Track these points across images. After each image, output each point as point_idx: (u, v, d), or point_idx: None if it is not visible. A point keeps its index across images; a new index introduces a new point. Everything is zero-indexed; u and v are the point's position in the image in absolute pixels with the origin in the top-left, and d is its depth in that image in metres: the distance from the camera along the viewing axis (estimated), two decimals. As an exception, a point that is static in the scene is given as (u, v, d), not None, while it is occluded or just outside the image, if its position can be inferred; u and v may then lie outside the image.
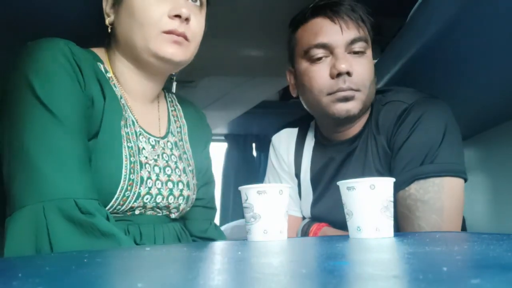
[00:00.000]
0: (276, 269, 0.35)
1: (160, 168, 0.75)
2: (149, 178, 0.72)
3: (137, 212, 0.72)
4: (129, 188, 0.68)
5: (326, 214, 0.97)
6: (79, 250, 0.53)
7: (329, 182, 0.97)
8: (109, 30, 0.74)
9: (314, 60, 0.87)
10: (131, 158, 0.69)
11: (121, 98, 0.73)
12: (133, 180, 0.68)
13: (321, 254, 0.45)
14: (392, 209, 0.60)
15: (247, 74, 1.92)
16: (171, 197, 0.76)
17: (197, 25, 0.74)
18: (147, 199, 0.71)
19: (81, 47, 0.71)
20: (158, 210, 0.75)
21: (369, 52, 0.90)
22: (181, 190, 0.78)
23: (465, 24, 0.79)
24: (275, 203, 0.60)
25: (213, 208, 0.92)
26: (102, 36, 0.78)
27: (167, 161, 0.77)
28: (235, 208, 2.95)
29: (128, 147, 0.70)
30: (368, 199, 0.59)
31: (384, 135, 0.88)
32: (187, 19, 0.71)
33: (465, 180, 0.82)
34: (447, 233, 0.71)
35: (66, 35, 0.67)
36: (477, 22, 0.78)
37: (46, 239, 0.55)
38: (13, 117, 0.61)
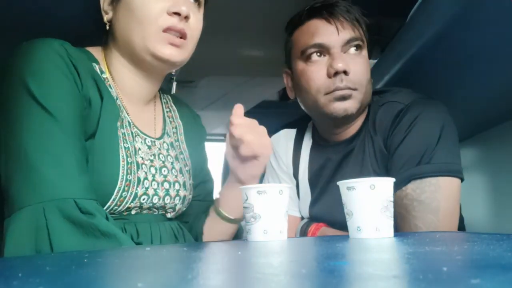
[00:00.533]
0: (276, 269, 0.35)
1: (156, 169, 0.75)
2: (145, 178, 0.72)
3: (133, 212, 0.71)
4: (126, 188, 0.67)
5: (324, 214, 0.97)
6: (79, 250, 0.53)
7: (327, 182, 0.97)
8: (107, 28, 0.74)
9: (311, 61, 0.88)
10: (128, 159, 0.69)
11: (117, 99, 0.73)
12: (130, 180, 0.68)
13: (321, 254, 0.45)
14: (392, 209, 0.60)
15: (247, 74, 1.92)
16: (167, 197, 0.76)
17: (195, 24, 0.74)
18: (143, 199, 0.71)
19: (77, 45, 0.70)
20: (154, 209, 0.75)
21: (364, 52, 0.90)
22: (178, 191, 0.78)
23: (465, 24, 0.79)
24: (275, 203, 0.60)
25: (211, 201, 0.92)
26: (99, 34, 0.77)
27: (163, 162, 0.77)
28: (235, 208, 2.94)
29: (125, 147, 0.70)
30: (368, 199, 0.59)
31: (381, 135, 0.89)
32: (186, 17, 0.70)
33: (462, 180, 0.83)
34: (447, 233, 0.71)
35: (62, 34, 0.67)
36: (477, 22, 0.78)
37: (46, 240, 0.55)
38: (10, 118, 0.60)
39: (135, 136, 0.74)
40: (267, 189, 0.60)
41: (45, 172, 0.58)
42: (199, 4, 0.76)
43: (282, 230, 0.62)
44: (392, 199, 0.60)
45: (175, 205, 0.78)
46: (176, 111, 0.89)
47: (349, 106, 0.86)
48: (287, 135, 1.09)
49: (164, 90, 0.90)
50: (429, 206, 0.79)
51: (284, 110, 2.34)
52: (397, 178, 0.82)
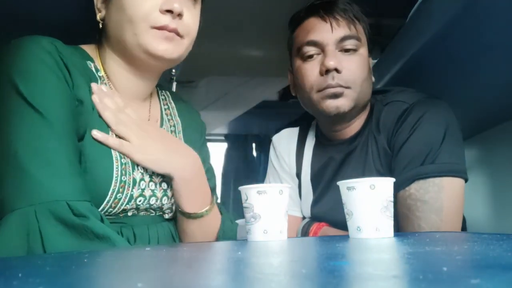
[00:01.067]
0: (276, 269, 0.35)
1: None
2: (142, 179, 0.70)
3: (129, 213, 0.70)
4: (120, 190, 0.66)
5: (326, 214, 0.97)
6: (79, 251, 0.53)
7: (329, 181, 0.97)
8: (100, 26, 0.72)
9: (306, 58, 0.89)
10: (122, 160, 0.68)
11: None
12: (125, 182, 0.67)
13: (321, 254, 0.45)
14: (392, 209, 0.60)
15: (247, 74, 1.92)
16: (165, 198, 0.74)
17: (191, 20, 0.71)
18: (140, 201, 0.70)
19: (72, 43, 0.69)
20: (151, 210, 0.74)
21: (362, 50, 0.90)
22: None
23: (465, 24, 0.79)
24: (275, 203, 0.60)
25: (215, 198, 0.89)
26: (94, 32, 0.76)
27: None
28: (235, 208, 2.95)
29: None
30: (368, 199, 0.58)
31: (384, 135, 0.88)
32: (179, 15, 0.68)
33: (466, 180, 0.82)
34: (447, 233, 0.71)
35: (56, 32, 0.66)
36: (477, 22, 0.78)
37: (39, 243, 0.54)
38: None
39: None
40: (267, 189, 0.60)
41: (36, 174, 0.56)
42: (195, 0, 0.73)
43: (282, 230, 0.62)
44: (392, 199, 0.60)
45: (173, 205, 0.77)
46: (175, 108, 0.87)
47: (341, 104, 0.86)
48: (290, 134, 1.08)
49: (162, 86, 0.89)
50: (433, 206, 0.79)
51: (284, 110, 2.34)
52: (400, 178, 0.82)
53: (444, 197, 0.79)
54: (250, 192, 0.61)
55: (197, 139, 0.88)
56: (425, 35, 0.89)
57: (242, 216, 0.73)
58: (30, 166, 0.56)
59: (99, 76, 0.71)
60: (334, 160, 0.97)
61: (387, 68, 1.12)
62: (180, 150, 0.76)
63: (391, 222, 0.60)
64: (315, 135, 1.04)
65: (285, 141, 1.08)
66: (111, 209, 0.66)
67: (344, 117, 0.90)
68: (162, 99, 0.86)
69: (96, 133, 0.66)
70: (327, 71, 0.85)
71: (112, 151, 0.67)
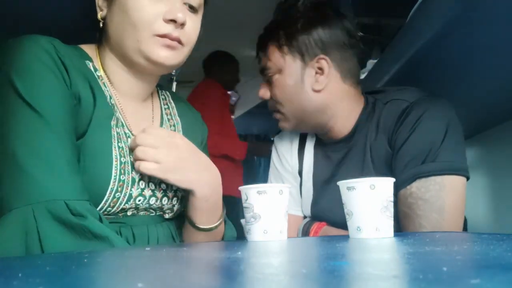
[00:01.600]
0: (276, 269, 0.35)
1: None
2: (141, 179, 0.70)
3: (129, 213, 0.70)
4: (119, 189, 0.66)
5: (327, 213, 0.97)
6: (79, 251, 0.53)
7: (328, 181, 0.97)
8: (101, 25, 0.72)
9: None
10: (122, 159, 0.67)
11: (111, 98, 0.71)
12: (123, 181, 0.66)
13: (321, 254, 0.45)
14: (392, 209, 0.60)
15: (247, 74, 1.92)
16: (165, 198, 0.74)
17: (192, 29, 0.72)
18: (139, 200, 0.69)
19: (70, 43, 0.69)
20: (151, 210, 0.74)
21: (277, 77, 0.93)
22: (176, 191, 0.76)
23: (465, 24, 0.79)
24: (275, 203, 0.60)
25: None
26: (93, 32, 0.76)
27: None
28: (235, 208, 2.94)
29: (119, 147, 0.68)
30: (368, 199, 0.58)
31: (385, 133, 0.88)
32: (182, 24, 0.69)
33: (468, 178, 0.82)
34: (447, 233, 0.71)
35: (54, 31, 0.65)
36: (477, 22, 0.78)
37: (37, 243, 0.54)
38: None
39: (128, 137, 0.72)
40: (267, 189, 0.60)
41: (34, 173, 0.56)
42: (198, 9, 0.74)
43: (282, 230, 0.61)
44: (392, 199, 0.60)
45: (173, 206, 0.76)
46: (175, 108, 0.87)
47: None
48: (292, 133, 1.08)
49: (162, 86, 0.89)
50: (434, 205, 0.79)
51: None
52: (401, 176, 0.82)
53: (445, 195, 0.79)
54: (250, 192, 0.61)
55: (197, 141, 0.88)
56: (425, 35, 0.89)
57: (242, 216, 0.73)
58: (28, 166, 0.56)
59: (98, 76, 0.71)
60: (333, 159, 0.97)
61: (387, 68, 1.12)
62: (205, 165, 0.74)
63: (391, 222, 0.60)
64: (315, 134, 1.04)
65: (287, 140, 1.08)
66: (110, 208, 0.66)
67: None
68: (162, 99, 0.86)
69: (137, 167, 0.67)
70: None
71: (112, 150, 0.67)
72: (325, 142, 0.99)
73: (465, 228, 1.03)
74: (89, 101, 0.66)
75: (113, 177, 0.65)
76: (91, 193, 0.62)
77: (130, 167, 0.69)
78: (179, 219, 0.82)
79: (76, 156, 0.62)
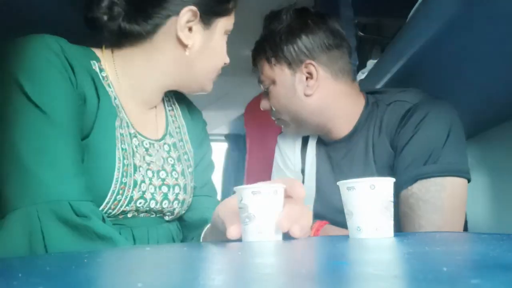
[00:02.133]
0: (276, 269, 0.35)
1: (153, 172, 0.73)
2: (142, 181, 0.70)
3: (129, 215, 0.70)
4: (120, 191, 0.66)
5: (328, 212, 0.97)
6: (79, 251, 0.53)
7: (330, 180, 0.98)
8: (187, 53, 0.75)
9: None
10: (125, 161, 0.67)
11: (115, 98, 0.71)
12: (125, 183, 0.66)
13: (321, 254, 0.45)
14: (392, 209, 0.60)
15: (247, 74, 1.91)
16: (165, 201, 0.74)
17: None
18: (140, 203, 0.69)
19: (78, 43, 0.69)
20: (152, 212, 0.73)
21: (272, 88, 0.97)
22: (177, 194, 0.76)
23: (465, 24, 0.79)
24: (269, 203, 0.60)
25: (213, 196, 0.89)
26: (98, 34, 0.76)
27: (161, 165, 0.75)
28: (235, 207, 2.94)
29: (122, 149, 0.68)
30: (368, 199, 0.58)
31: (387, 134, 0.89)
32: None
33: (469, 180, 0.83)
34: (447, 233, 0.71)
35: (61, 32, 0.66)
36: (477, 22, 0.78)
37: (41, 242, 0.54)
38: (2, 117, 0.59)
39: (133, 137, 0.72)
40: (261, 189, 0.60)
41: (39, 173, 0.56)
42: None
43: (277, 230, 0.61)
44: (392, 199, 0.60)
45: (174, 209, 0.76)
46: (179, 109, 0.88)
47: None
48: None
49: None
50: (434, 206, 0.79)
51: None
52: (403, 177, 0.83)
53: (445, 197, 0.79)
54: (245, 193, 0.60)
55: (198, 136, 0.88)
56: (425, 35, 0.89)
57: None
58: (34, 166, 0.56)
59: (103, 77, 0.71)
60: (334, 159, 0.98)
61: (387, 68, 1.11)
62: None
63: (391, 222, 0.60)
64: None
65: (290, 139, 1.09)
66: (110, 211, 0.66)
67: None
68: (167, 100, 0.86)
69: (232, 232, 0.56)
70: None
71: (116, 151, 0.66)
72: (326, 142, 1.00)
73: (465, 228, 1.03)
74: (93, 101, 0.66)
75: (115, 179, 0.65)
76: (93, 194, 0.62)
77: (132, 170, 0.68)
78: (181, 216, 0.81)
79: (81, 157, 0.62)
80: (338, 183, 0.63)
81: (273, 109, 0.98)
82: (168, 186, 0.75)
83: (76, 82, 0.64)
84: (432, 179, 0.80)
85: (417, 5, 0.97)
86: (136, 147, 0.72)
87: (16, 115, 0.58)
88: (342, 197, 0.62)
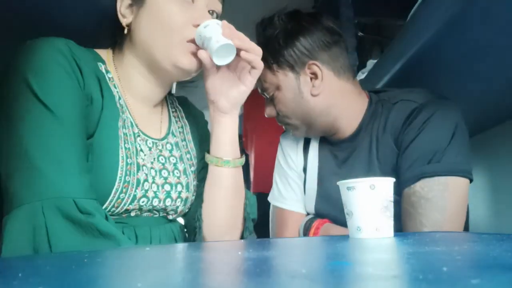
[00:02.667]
0: (276, 269, 0.35)
1: (156, 171, 0.74)
2: (145, 180, 0.71)
3: (132, 214, 0.71)
4: (124, 190, 0.67)
5: (330, 211, 0.97)
6: (79, 250, 0.53)
7: (334, 179, 0.98)
8: (125, 31, 0.74)
9: None
10: (128, 160, 0.68)
11: (119, 98, 0.73)
12: (128, 182, 0.67)
13: (321, 254, 0.45)
14: (392, 209, 0.60)
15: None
16: (168, 199, 0.75)
17: None
18: (143, 202, 0.70)
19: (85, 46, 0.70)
20: (155, 212, 0.74)
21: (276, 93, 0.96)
22: (180, 192, 0.77)
23: (465, 24, 0.79)
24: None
25: None
26: (104, 37, 0.78)
27: (163, 164, 0.76)
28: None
29: (126, 148, 0.69)
30: (368, 199, 0.59)
31: (392, 133, 0.89)
32: None
33: (471, 181, 0.83)
34: (447, 233, 0.72)
35: (68, 36, 0.67)
36: (476, 22, 0.78)
37: (44, 238, 0.55)
38: (11, 115, 0.60)
39: (137, 136, 0.73)
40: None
41: (45, 171, 0.57)
42: (217, 17, 0.77)
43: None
44: (392, 199, 0.60)
45: (177, 207, 0.77)
46: (182, 111, 0.89)
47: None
48: None
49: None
50: (436, 205, 0.80)
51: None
52: (406, 175, 0.83)
53: (448, 196, 0.80)
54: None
55: (201, 135, 0.89)
56: (425, 35, 0.89)
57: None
58: (40, 163, 0.57)
59: (109, 78, 0.73)
60: (339, 158, 0.98)
61: (387, 68, 1.12)
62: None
63: (391, 222, 0.60)
64: None
65: (292, 138, 1.09)
66: (114, 209, 0.67)
67: None
68: (170, 103, 0.87)
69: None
70: None
71: (120, 151, 0.68)
72: (331, 141, 1.00)
73: (466, 228, 1.03)
74: (99, 102, 0.68)
75: (118, 178, 0.66)
76: (97, 192, 0.63)
77: (135, 168, 0.70)
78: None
79: (86, 156, 0.63)
80: (338, 183, 0.63)
81: (280, 114, 0.98)
82: (171, 185, 0.76)
83: (83, 83, 0.66)
84: (436, 178, 0.81)
85: (417, 5, 0.97)
86: (139, 146, 0.73)
87: (25, 113, 0.60)
88: (342, 197, 0.62)
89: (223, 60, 0.69)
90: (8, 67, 0.63)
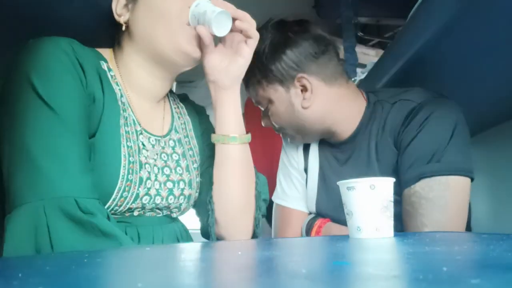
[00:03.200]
0: (276, 269, 0.35)
1: (158, 168, 0.74)
2: (148, 178, 0.71)
3: (135, 213, 0.71)
4: (126, 188, 0.67)
5: (330, 212, 0.98)
6: (79, 250, 0.53)
7: (334, 180, 0.98)
8: (123, 29, 0.74)
9: None
10: (130, 158, 0.69)
11: (121, 96, 0.73)
12: (131, 180, 0.68)
13: (321, 254, 0.45)
14: (392, 209, 0.60)
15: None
16: (171, 197, 0.75)
17: None
18: (145, 200, 0.70)
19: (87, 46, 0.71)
20: (158, 210, 0.74)
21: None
22: (182, 189, 0.77)
23: (465, 24, 0.79)
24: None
25: None
26: (104, 37, 0.78)
27: (165, 161, 0.76)
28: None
29: (128, 146, 0.69)
30: (368, 199, 0.59)
31: (391, 133, 0.89)
32: None
33: (472, 179, 0.83)
34: (447, 233, 0.72)
35: (69, 36, 0.67)
36: (477, 22, 0.78)
37: (46, 237, 0.55)
38: (14, 114, 0.60)
39: (139, 134, 0.74)
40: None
41: (47, 170, 0.57)
42: None
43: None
44: (392, 199, 0.60)
45: (180, 204, 0.77)
46: (184, 108, 0.89)
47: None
48: None
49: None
50: (437, 204, 0.79)
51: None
52: (406, 175, 0.83)
53: (449, 195, 0.79)
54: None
55: (204, 128, 0.89)
56: (425, 35, 0.89)
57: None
58: (42, 162, 0.57)
59: (111, 76, 0.73)
60: (339, 159, 0.98)
61: (387, 68, 1.12)
62: None
63: (391, 222, 0.60)
64: None
65: None
66: (117, 207, 0.67)
67: None
68: (172, 100, 0.87)
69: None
70: None
71: (122, 149, 0.68)
72: (332, 143, 1.00)
73: (469, 226, 1.03)
74: (100, 100, 0.68)
75: (121, 176, 0.66)
76: (99, 191, 0.63)
77: (138, 167, 0.70)
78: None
79: (88, 155, 0.63)
80: (338, 183, 0.63)
81: (275, 125, 0.99)
82: (173, 182, 0.76)
83: (86, 82, 0.66)
84: (436, 178, 0.80)
85: (417, 5, 0.97)
86: (142, 144, 0.73)
87: (27, 112, 0.60)
88: (342, 197, 0.62)
89: (221, 30, 0.69)
90: (10, 66, 0.63)
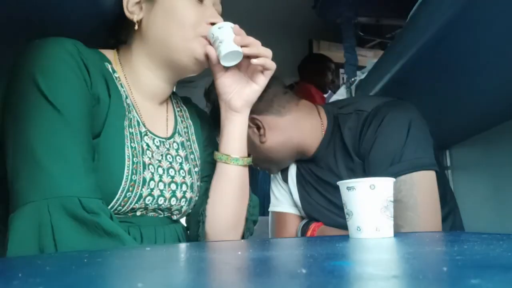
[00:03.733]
0: (277, 269, 0.35)
1: (163, 169, 0.75)
2: (151, 179, 0.71)
3: (138, 213, 0.71)
4: (130, 189, 0.67)
5: (318, 217, 1.01)
6: (79, 250, 0.53)
7: (313, 193, 1.03)
8: (136, 28, 0.75)
9: None
10: (134, 159, 0.69)
11: (126, 98, 0.73)
12: (135, 181, 0.68)
13: (321, 254, 0.45)
14: (392, 209, 0.60)
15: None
16: (173, 199, 0.75)
17: None
18: (149, 200, 0.71)
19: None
20: (159, 211, 0.75)
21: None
22: (184, 192, 0.77)
23: (465, 24, 0.79)
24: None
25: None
26: (107, 38, 0.79)
27: (170, 162, 0.77)
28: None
29: (132, 147, 0.70)
30: (368, 199, 0.59)
31: (350, 146, 0.92)
32: None
33: (436, 172, 0.84)
34: (447, 233, 0.72)
35: (72, 36, 0.67)
36: (477, 22, 0.78)
37: (50, 236, 0.55)
38: (19, 114, 0.61)
39: (144, 135, 0.74)
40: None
41: (51, 169, 0.58)
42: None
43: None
44: (392, 199, 0.60)
45: (181, 207, 0.78)
46: (187, 111, 0.90)
47: None
48: None
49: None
50: (407, 204, 0.81)
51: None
52: None
53: (416, 192, 0.81)
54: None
55: (206, 135, 0.90)
56: (425, 35, 0.89)
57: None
58: (46, 161, 0.58)
59: (115, 77, 0.74)
60: (314, 173, 1.01)
61: (387, 68, 1.12)
62: None
63: (391, 222, 0.60)
64: None
65: None
66: (120, 207, 0.67)
67: None
68: (175, 102, 0.88)
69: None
70: None
71: (126, 150, 0.68)
72: (305, 159, 1.03)
73: (460, 226, 1.04)
74: (105, 101, 0.68)
75: (125, 177, 0.67)
76: (103, 191, 0.63)
77: (141, 167, 0.70)
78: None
79: (91, 155, 0.64)
80: (338, 183, 0.63)
81: None
82: (176, 184, 0.76)
83: (90, 83, 0.66)
84: (400, 178, 0.82)
85: (417, 5, 0.97)
86: (146, 145, 0.74)
87: (32, 112, 0.60)
88: (342, 197, 0.62)
89: (229, 62, 0.74)
90: (15, 66, 0.63)
